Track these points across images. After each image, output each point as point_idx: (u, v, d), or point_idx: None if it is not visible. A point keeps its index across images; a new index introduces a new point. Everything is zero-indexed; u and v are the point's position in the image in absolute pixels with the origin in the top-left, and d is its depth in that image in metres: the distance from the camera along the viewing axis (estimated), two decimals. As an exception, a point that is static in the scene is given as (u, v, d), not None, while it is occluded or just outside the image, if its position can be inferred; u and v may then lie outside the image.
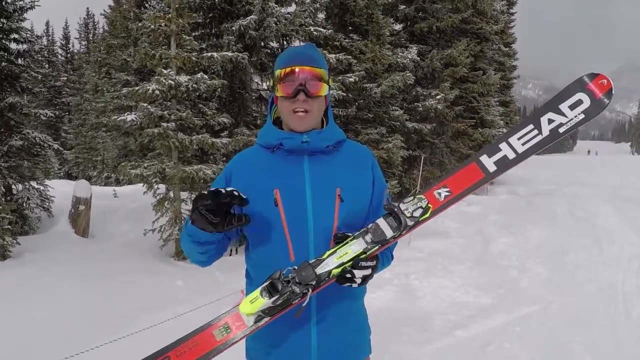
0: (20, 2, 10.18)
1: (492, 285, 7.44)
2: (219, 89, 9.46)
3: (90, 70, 28.63)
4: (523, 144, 1.99)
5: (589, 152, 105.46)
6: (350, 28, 12.70)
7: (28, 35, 10.41)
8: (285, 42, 10.45)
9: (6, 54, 10.06)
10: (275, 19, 9.55)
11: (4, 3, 9.89)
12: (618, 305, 6.45)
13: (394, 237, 1.85)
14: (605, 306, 6.43)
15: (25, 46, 10.39)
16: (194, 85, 8.57)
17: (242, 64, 9.56)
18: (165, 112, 8.58)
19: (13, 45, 10.28)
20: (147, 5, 16.77)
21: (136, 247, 9.21)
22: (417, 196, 1.90)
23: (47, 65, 24.33)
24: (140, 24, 9.62)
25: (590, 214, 13.25)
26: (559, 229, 11.67)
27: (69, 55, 45.12)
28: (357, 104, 12.40)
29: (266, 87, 11.33)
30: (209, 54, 9.08)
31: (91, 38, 45.41)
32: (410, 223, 1.86)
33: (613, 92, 1.96)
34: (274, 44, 10.67)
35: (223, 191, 1.72)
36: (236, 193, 1.74)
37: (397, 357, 4.96)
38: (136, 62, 12.33)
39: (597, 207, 14.24)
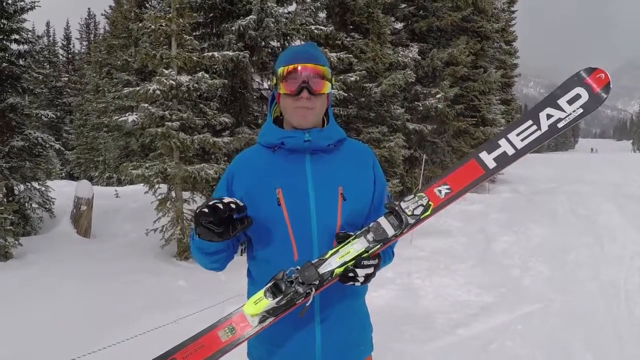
0: (21, 3, 10.18)
1: (494, 283, 7.44)
2: (220, 89, 9.46)
3: (91, 70, 28.66)
4: (522, 140, 1.99)
5: (592, 149, 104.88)
6: (351, 27, 12.69)
7: (29, 35, 10.41)
8: (286, 42, 10.44)
9: (7, 55, 10.06)
10: (273, 19, 9.55)
11: (4, 4, 9.89)
12: (620, 303, 6.44)
13: (395, 236, 1.85)
14: (607, 304, 6.42)
15: (26, 47, 10.39)
16: (195, 85, 8.57)
17: (243, 63, 9.56)
18: (167, 112, 8.58)
19: (14, 46, 10.28)
20: (147, 5, 16.79)
21: (138, 247, 9.21)
22: (418, 194, 1.90)
23: (48, 66, 24.36)
24: (141, 24, 9.61)
25: (592, 212, 13.25)
26: (561, 227, 11.67)
27: (70, 55, 45.14)
28: (357, 102, 12.40)
29: (267, 87, 11.32)
30: (210, 54, 9.08)
31: (92, 38, 45.43)
32: (411, 221, 1.85)
33: (611, 85, 1.96)
34: (275, 43, 10.66)
35: (221, 206, 1.72)
36: (234, 206, 1.74)
37: (400, 355, 4.96)
38: (137, 62, 12.33)
39: (599, 205, 14.23)
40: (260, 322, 1.81)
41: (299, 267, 1.79)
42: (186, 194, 9.37)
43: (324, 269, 1.78)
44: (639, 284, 7.22)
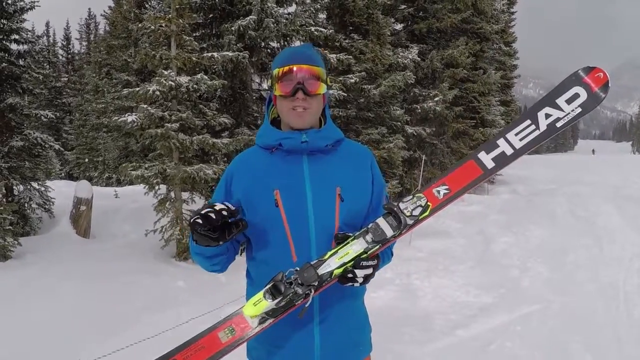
0: (21, 3, 10.18)
1: (493, 284, 7.44)
2: (220, 89, 9.46)
3: (91, 70, 28.67)
4: (521, 140, 1.99)
5: (593, 151, 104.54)
6: (350, 28, 12.70)
7: (28, 35, 10.41)
8: (285, 42, 10.44)
9: (7, 55, 10.06)
10: (273, 20, 9.55)
11: (4, 4, 9.89)
12: (619, 304, 6.45)
13: (394, 237, 1.86)
14: (606, 306, 6.42)
15: (25, 47, 10.39)
16: (195, 85, 8.56)
17: (243, 64, 9.57)
18: (166, 113, 8.58)
19: (14, 46, 10.28)
20: (147, 5, 16.79)
21: (137, 248, 9.21)
22: (416, 195, 1.91)
23: (47, 66, 24.35)
24: (140, 25, 9.62)
25: (591, 214, 13.26)
26: (560, 228, 11.67)
27: (69, 55, 45.12)
28: (357, 103, 12.40)
29: (267, 87, 11.32)
30: (210, 54, 9.08)
31: (92, 39, 45.41)
32: (410, 222, 1.86)
33: (609, 84, 1.95)
34: (275, 44, 10.67)
35: (214, 215, 1.73)
36: (226, 212, 1.75)
37: (399, 356, 4.96)
38: (137, 62, 12.33)
39: (598, 207, 14.24)
40: (260, 323, 1.82)
41: (298, 269, 1.79)
42: (185, 195, 9.37)
43: (323, 270, 1.79)
44: (638, 285, 7.22)
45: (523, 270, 8.24)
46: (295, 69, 1.96)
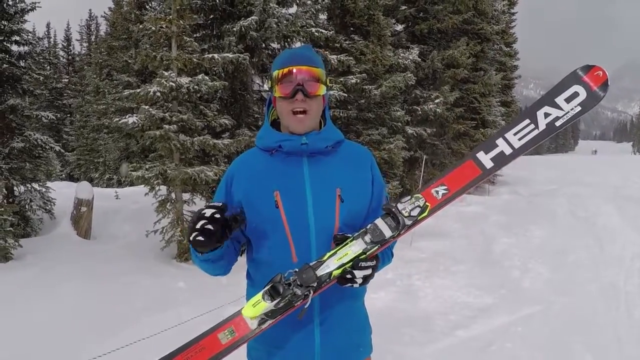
0: (21, 4, 10.18)
1: (494, 285, 7.44)
2: (220, 91, 9.46)
3: (92, 72, 28.67)
4: (520, 139, 1.98)
5: (595, 151, 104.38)
6: (351, 29, 12.70)
7: (29, 37, 10.42)
8: (286, 43, 10.45)
9: (7, 56, 10.07)
10: (276, 20, 9.55)
11: (4, 5, 9.90)
12: (620, 305, 6.45)
13: (392, 237, 1.86)
14: (606, 306, 6.43)
15: (26, 48, 10.40)
16: (195, 86, 8.57)
17: (243, 65, 9.57)
18: (167, 114, 8.58)
19: (14, 47, 10.29)
20: (147, 7, 16.78)
21: (138, 249, 9.21)
22: (415, 195, 1.91)
23: (48, 67, 24.41)
24: (141, 26, 9.61)
25: (592, 214, 13.25)
26: (561, 229, 11.67)
27: (70, 57, 45.13)
28: (357, 104, 12.40)
29: (267, 88, 11.32)
30: (210, 55, 9.09)
31: (93, 40, 45.42)
32: (408, 222, 1.86)
33: (609, 83, 1.94)
34: (275, 45, 10.68)
35: (211, 227, 1.75)
36: (218, 215, 1.76)
37: (399, 357, 4.96)
38: (137, 63, 12.32)
39: (599, 207, 14.23)
40: (260, 324, 1.82)
41: (297, 270, 1.79)
42: (186, 196, 9.37)
43: (322, 271, 1.79)
44: (639, 285, 7.22)
45: (524, 270, 8.24)
46: (294, 70, 1.96)
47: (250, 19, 9.51)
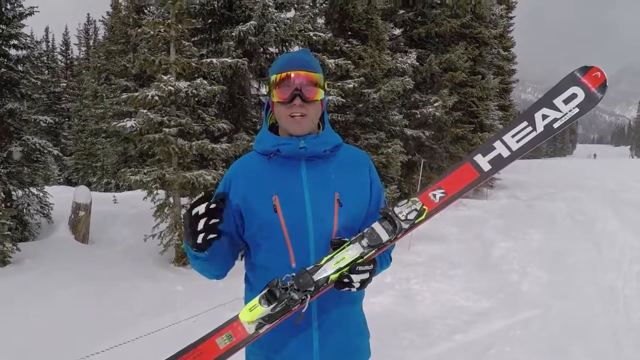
0: (20, 8, 10.19)
1: (492, 289, 7.44)
2: (219, 95, 9.46)
3: (90, 76, 28.62)
4: (517, 141, 1.97)
5: (595, 155, 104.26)
6: (349, 33, 12.71)
7: (27, 41, 10.42)
8: (284, 48, 10.45)
9: (5, 60, 10.07)
10: (274, 25, 9.56)
11: (3, 9, 9.90)
12: (618, 308, 6.45)
13: (390, 241, 1.85)
14: (605, 309, 6.43)
15: (24, 52, 10.41)
16: (194, 91, 8.56)
17: (242, 70, 9.57)
18: (165, 118, 8.58)
19: (12, 52, 10.30)
20: (146, 11, 16.80)
21: (136, 253, 9.20)
22: (412, 199, 1.90)
23: (46, 71, 24.40)
24: (139, 30, 9.63)
25: (590, 218, 13.27)
26: (559, 232, 11.68)
27: (68, 61, 45.11)
28: (356, 109, 12.40)
29: (265, 93, 11.30)
30: (209, 60, 9.09)
31: (91, 44, 45.42)
32: (405, 226, 1.85)
33: (607, 84, 1.93)
34: (274, 49, 10.69)
35: (216, 220, 1.76)
36: (204, 215, 1.75)
37: (397, 361, 4.96)
38: (135, 68, 12.32)
39: (597, 211, 14.26)
40: (257, 329, 1.81)
41: (294, 274, 1.79)
42: (184, 200, 9.37)
43: (319, 276, 1.78)
44: (637, 289, 7.22)
45: (522, 274, 8.25)
46: (292, 75, 1.95)
47: (249, 23, 9.51)
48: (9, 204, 9.79)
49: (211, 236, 1.79)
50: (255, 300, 1.78)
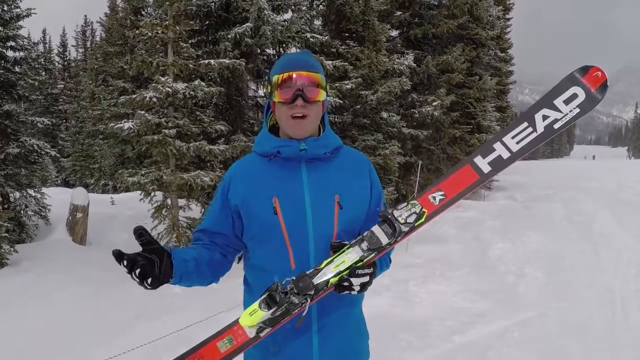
0: (17, 10, 10.19)
1: (490, 290, 7.44)
2: (216, 96, 9.46)
3: (87, 77, 28.60)
4: (517, 143, 1.97)
5: (593, 157, 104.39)
6: (346, 34, 12.71)
7: (25, 42, 10.42)
8: (281, 49, 10.45)
9: (3, 62, 10.06)
10: (270, 27, 9.55)
11: (0, 11, 9.90)
12: (616, 309, 6.45)
13: (389, 244, 1.85)
14: (602, 311, 6.43)
15: (22, 54, 10.41)
16: (191, 92, 8.56)
17: (239, 71, 9.56)
18: (163, 120, 8.58)
19: (10, 53, 10.29)
20: (143, 12, 16.77)
21: (134, 255, 9.17)
22: (411, 202, 1.90)
23: (43, 73, 24.33)
24: (137, 32, 9.63)
25: (588, 219, 13.27)
26: (557, 234, 11.68)
27: (65, 62, 45.08)
28: (353, 110, 12.40)
29: (263, 94, 11.31)
30: (206, 61, 9.08)
31: (88, 45, 45.41)
32: (404, 229, 1.85)
33: (608, 84, 1.93)
34: (271, 51, 10.68)
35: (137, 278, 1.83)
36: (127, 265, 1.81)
37: (396, 363, 4.95)
38: (133, 69, 12.31)
39: (595, 212, 14.25)
40: (258, 332, 1.81)
41: (294, 278, 1.79)
42: (182, 202, 9.35)
43: (318, 279, 1.79)
44: (635, 290, 7.23)
45: (520, 276, 8.24)
46: (294, 75, 1.95)
47: (244, 25, 9.49)
48: (6, 206, 9.79)
49: (149, 279, 1.84)
50: (255, 305, 1.77)
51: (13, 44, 10.25)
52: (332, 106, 10.51)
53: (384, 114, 12.94)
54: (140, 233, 1.82)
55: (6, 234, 8.14)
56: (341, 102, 10.82)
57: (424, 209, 1.88)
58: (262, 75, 10.80)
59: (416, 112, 15.32)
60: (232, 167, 2.15)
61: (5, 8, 10.07)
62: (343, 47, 12.12)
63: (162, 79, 8.54)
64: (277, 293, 1.76)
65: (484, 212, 15.08)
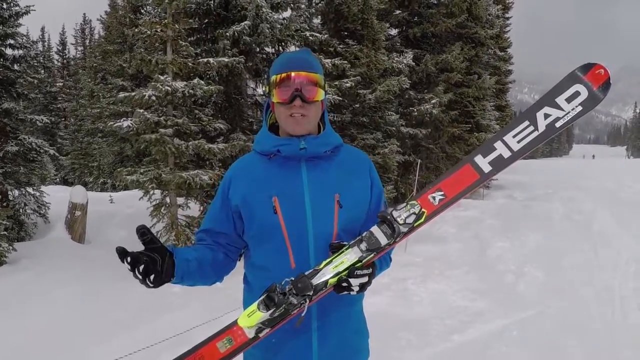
0: (16, 8, 10.18)
1: (489, 289, 7.43)
2: (215, 95, 9.45)
3: (86, 75, 28.58)
4: (519, 142, 1.95)
5: (593, 156, 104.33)
6: (345, 33, 12.71)
7: (24, 40, 10.41)
8: (280, 47, 10.44)
9: (2, 60, 10.05)
10: (268, 25, 9.54)
11: (-1, 9, 9.90)
12: (615, 308, 6.45)
13: (388, 245, 1.84)
14: (602, 310, 6.43)
15: (20, 52, 10.41)
16: (190, 91, 8.55)
17: (238, 69, 9.55)
18: (162, 118, 8.57)
19: (9, 51, 10.29)
20: (143, 11, 16.77)
21: (133, 253, 9.17)
22: (410, 202, 1.88)
23: (42, 71, 24.35)
24: (136, 30, 9.61)
25: (587, 218, 13.27)
26: (556, 233, 11.68)
27: (64, 60, 45.05)
28: (352, 108, 12.40)
29: (262, 93, 11.30)
30: (205, 60, 9.08)
31: (87, 44, 45.37)
32: (403, 230, 1.84)
33: (611, 82, 1.91)
34: (269, 49, 10.67)
35: (140, 276, 1.79)
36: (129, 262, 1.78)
37: (395, 362, 4.95)
38: (132, 67, 12.31)
39: (594, 211, 14.25)
40: (257, 332, 1.81)
41: (292, 279, 1.78)
42: (181, 200, 9.35)
43: (317, 280, 1.78)
44: (634, 289, 7.23)
45: (519, 274, 8.24)
46: (293, 75, 1.94)
47: (243, 24, 9.48)
48: (5, 204, 9.78)
49: (152, 277, 1.81)
50: (254, 306, 1.77)
51: (12, 42, 10.25)
52: (331, 104, 10.50)
53: (389, 115, 12.96)
54: (143, 232, 1.82)
55: (5, 232, 8.14)
56: (340, 100, 10.81)
57: (423, 209, 1.87)
58: (261, 74, 10.78)
59: (415, 110, 15.32)
60: (232, 166, 2.14)
61: (5, 6, 10.07)
62: (342, 45, 12.12)
63: (161, 77, 8.53)
64: (275, 294, 1.75)
65: (484, 211, 15.07)
